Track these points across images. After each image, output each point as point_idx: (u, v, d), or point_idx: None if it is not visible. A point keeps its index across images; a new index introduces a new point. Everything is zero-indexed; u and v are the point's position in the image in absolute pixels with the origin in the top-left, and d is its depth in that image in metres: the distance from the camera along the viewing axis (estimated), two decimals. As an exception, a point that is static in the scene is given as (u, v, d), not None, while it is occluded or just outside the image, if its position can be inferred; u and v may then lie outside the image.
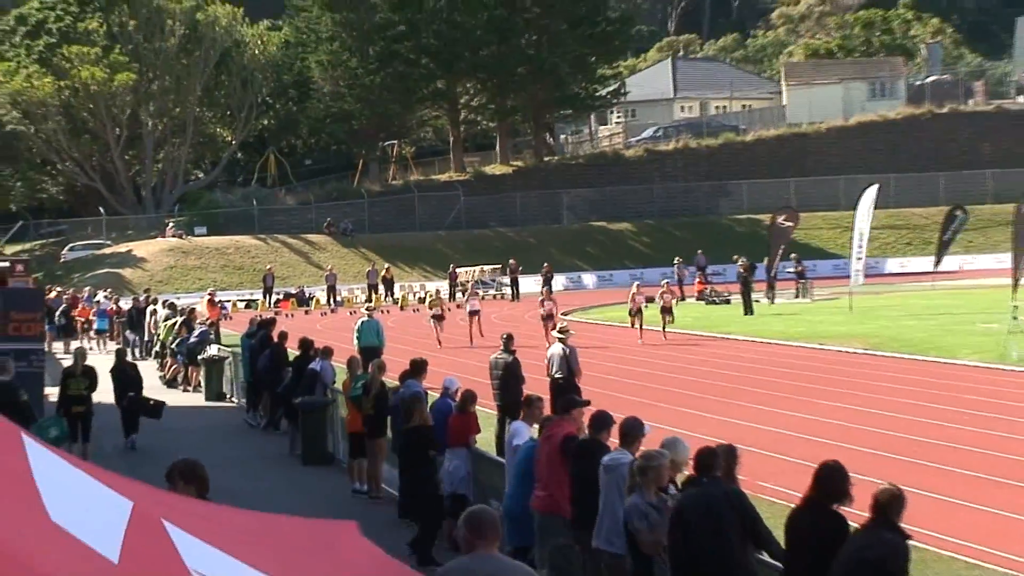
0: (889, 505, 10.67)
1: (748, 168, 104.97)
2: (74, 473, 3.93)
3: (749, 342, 47.66)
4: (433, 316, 47.68)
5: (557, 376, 29.35)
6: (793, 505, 12.09)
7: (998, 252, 75.38)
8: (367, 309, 49.08)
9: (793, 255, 72.69)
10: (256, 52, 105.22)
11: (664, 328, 46.66)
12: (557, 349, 30.36)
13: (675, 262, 78.31)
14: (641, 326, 46.49)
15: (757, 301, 63.45)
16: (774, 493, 19.43)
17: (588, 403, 17.32)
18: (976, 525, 19.09)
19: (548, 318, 44.63)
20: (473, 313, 49.18)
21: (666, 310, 46.56)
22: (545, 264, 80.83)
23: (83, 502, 3.62)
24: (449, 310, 48.93)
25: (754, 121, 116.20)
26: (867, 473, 18.76)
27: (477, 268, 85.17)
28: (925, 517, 17.09)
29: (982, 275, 76.79)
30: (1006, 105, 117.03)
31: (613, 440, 14.14)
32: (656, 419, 20.18)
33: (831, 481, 11.29)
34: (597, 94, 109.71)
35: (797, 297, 69.91)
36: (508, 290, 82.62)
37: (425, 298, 72.68)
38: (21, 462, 3.70)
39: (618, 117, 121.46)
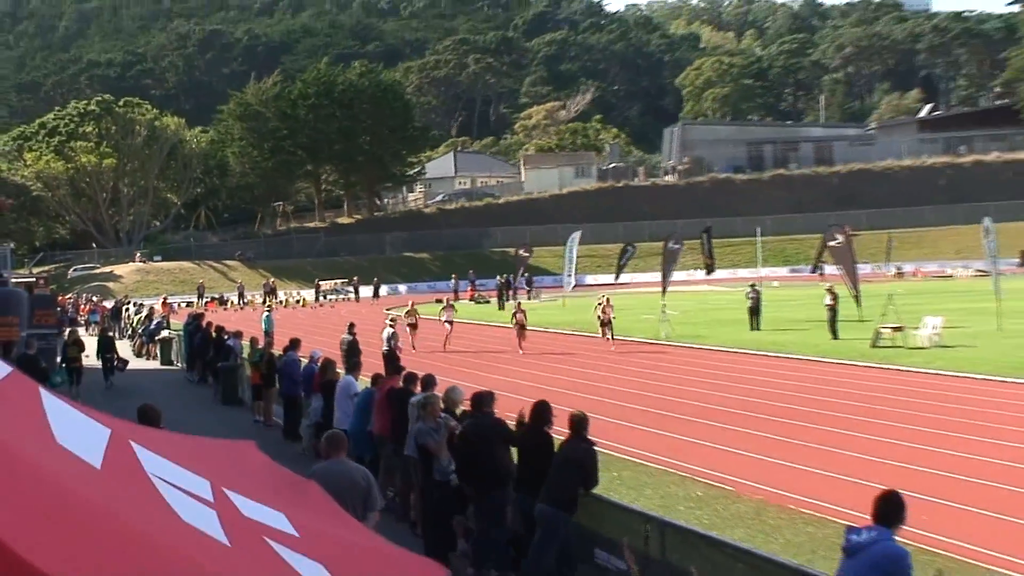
0: (580, 423, 13.18)
1: (501, 220, 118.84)
2: (71, 410, 4.12)
3: (505, 328, 49.20)
4: (408, 325, 43.98)
5: (384, 349, 34.10)
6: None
7: (654, 271, 75.28)
8: (267, 307, 58.67)
9: (526, 273, 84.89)
10: (193, 146, 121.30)
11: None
12: (387, 332, 35.87)
13: (452, 277, 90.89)
14: (612, 335, 43.14)
15: (508, 301, 71.36)
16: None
17: (402, 369, 20.37)
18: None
19: (409, 313, 45.56)
20: (449, 323, 45.76)
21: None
22: (375, 278, 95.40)
23: (77, 429, 3.84)
24: (415, 323, 44.64)
25: (504, 190, 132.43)
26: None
27: (332, 281, 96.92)
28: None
29: (644, 286, 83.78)
30: (658, 181, 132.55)
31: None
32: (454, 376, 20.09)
33: (542, 412, 13.69)
34: (407, 173, 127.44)
35: (530, 299, 77.69)
36: (352, 295, 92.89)
37: (301, 301, 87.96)
38: (37, 405, 3.89)
39: (420, 187, 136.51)
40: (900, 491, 8.48)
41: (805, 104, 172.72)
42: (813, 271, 79.14)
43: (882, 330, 38.70)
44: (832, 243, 50.83)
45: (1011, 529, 15.27)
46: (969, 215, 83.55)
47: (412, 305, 48.00)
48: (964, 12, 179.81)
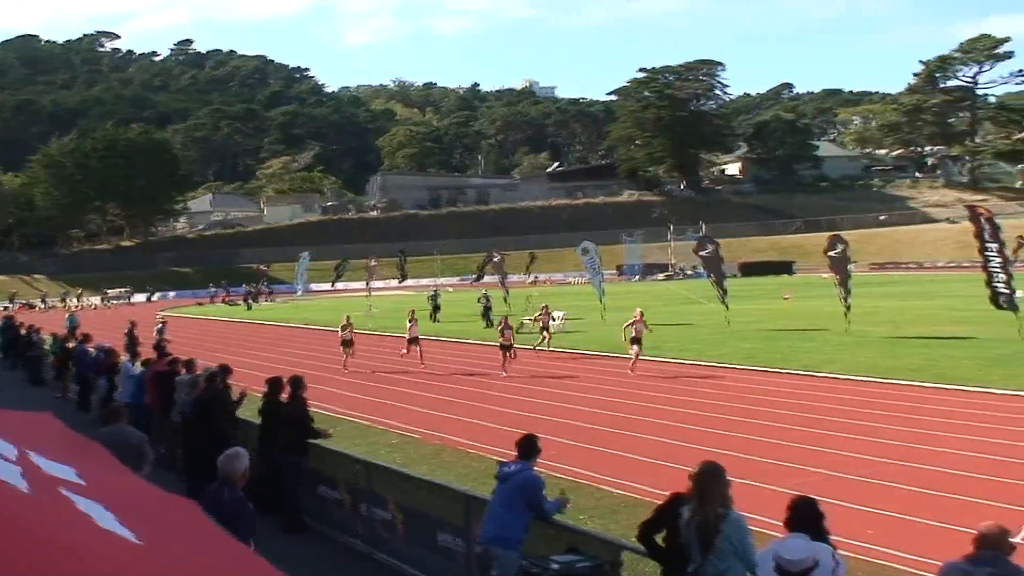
0: (297, 384, 12.89)
1: (248, 243, 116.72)
2: None
3: (265, 324, 50.82)
4: (343, 341, 29.55)
5: (155, 339, 31.12)
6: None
7: (361, 281, 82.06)
8: (71, 309, 59.36)
9: (267, 282, 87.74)
10: (5, 185, 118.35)
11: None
12: (157, 327, 34.46)
13: (211, 286, 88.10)
14: (637, 358, 25.84)
15: (254, 303, 71.54)
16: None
17: (168, 355, 19.29)
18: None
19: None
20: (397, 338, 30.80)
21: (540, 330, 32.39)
22: (149, 287, 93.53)
23: None
24: (351, 339, 29.73)
25: (250, 221, 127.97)
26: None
27: (116, 289, 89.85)
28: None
29: (354, 291, 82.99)
30: (365, 215, 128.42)
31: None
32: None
33: (293, 385, 12.95)
34: (174, 208, 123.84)
35: (269, 301, 78.53)
36: (131, 299, 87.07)
37: (92, 304, 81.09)
38: None
39: (185, 218, 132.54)
40: (535, 434, 8.60)
41: (470, 160, 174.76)
42: (476, 280, 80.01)
43: (524, 321, 39.14)
44: (493, 259, 53.37)
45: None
46: (579, 240, 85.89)
47: (348, 319, 30.26)
48: (579, 98, 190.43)
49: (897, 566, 10.06)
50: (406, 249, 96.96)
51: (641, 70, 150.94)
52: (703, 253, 42.24)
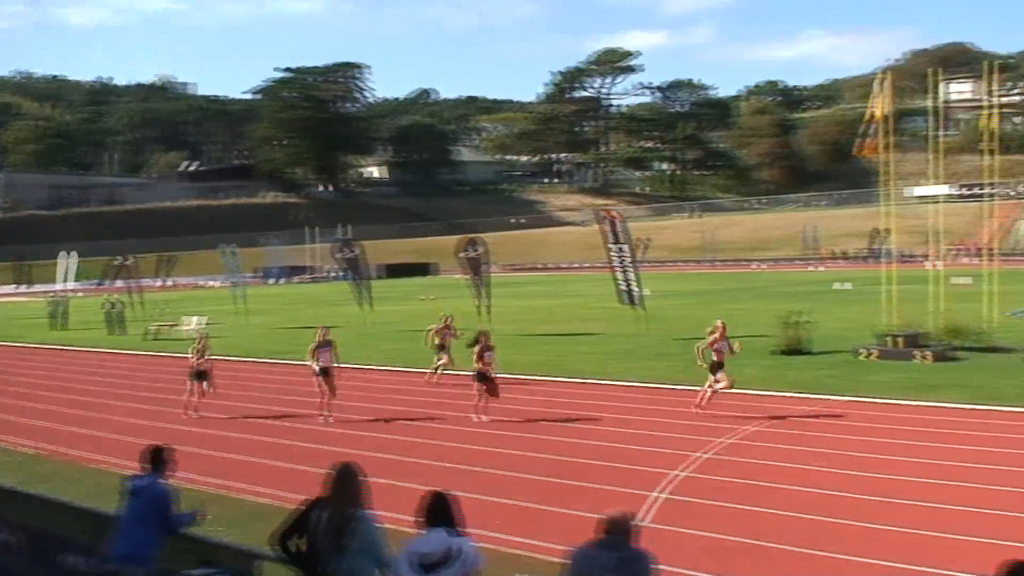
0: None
1: None
2: None
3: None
4: (197, 372, 20.21)
5: None
6: None
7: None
8: None
9: None
10: None
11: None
12: None
13: None
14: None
15: None
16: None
17: None
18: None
19: None
20: None
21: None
22: None
23: None
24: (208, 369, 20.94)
25: None
26: None
27: None
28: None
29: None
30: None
31: None
32: None
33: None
34: None
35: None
36: None
37: None
38: None
39: None
40: (164, 445, 8.28)
41: (100, 158, 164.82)
42: (100, 284, 76.42)
43: (152, 327, 38.08)
44: (124, 263, 50.14)
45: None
46: (218, 243, 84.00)
47: (204, 341, 21.09)
48: (218, 96, 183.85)
49: (530, 553, 10.30)
50: (25, 253, 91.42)
51: (283, 70, 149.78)
52: (345, 255, 42.48)
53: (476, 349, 18.74)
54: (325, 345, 19.02)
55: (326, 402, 18.79)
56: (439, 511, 6.32)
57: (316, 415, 18.87)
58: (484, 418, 18.12)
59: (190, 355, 20.47)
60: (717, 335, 18.11)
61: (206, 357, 20.37)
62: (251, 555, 7.88)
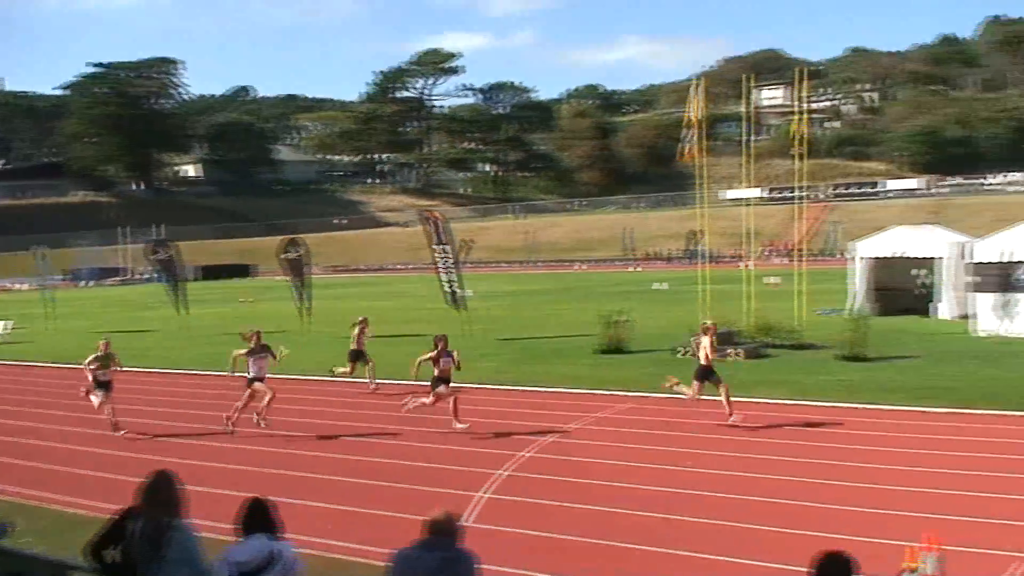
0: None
1: None
2: None
3: None
4: (96, 386, 17.99)
5: None
6: None
7: None
8: None
9: None
10: None
11: None
12: None
13: None
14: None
15: None
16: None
17: None
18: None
19: None
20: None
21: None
22: None
23: None
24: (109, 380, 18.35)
25: None
26: None
27: None
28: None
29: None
30: None
31: None
32: None
33: None
34: None
35: None
36: None
37: None
38: None
39: None
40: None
41: None
42: None
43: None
44: None
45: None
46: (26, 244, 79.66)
47: (106, 348, 18.26)
48: (25, 92, 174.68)
49: (352, 557, 10.24)
50: None
51: (95, 65, 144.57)
52: (158, 256, 41.42)
53: (432, 354, 17.05)
54: (260, 351, 17.26)
55: (256, 408, 17.39)
56: (257, 518, 6.26)
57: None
58: (462, 426, 16.73)
59: (86, 366, 18.06)
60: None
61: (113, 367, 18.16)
62: (63, 566, 7.63)
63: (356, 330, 22.43)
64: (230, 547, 6.15)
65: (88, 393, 17.83)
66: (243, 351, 17.36)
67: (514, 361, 26.25)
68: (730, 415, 16.57)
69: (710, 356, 16.90)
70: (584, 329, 29.40)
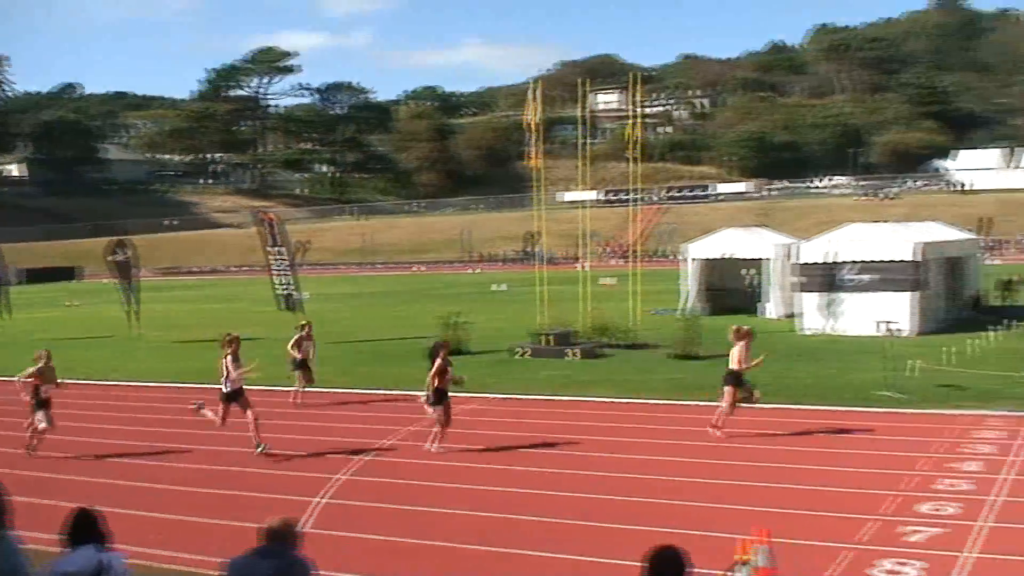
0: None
1: None
2: None
3: None
4: (36, 403, 15.71)
5: None
6: None
7: None
8: None
9: None
10: None
11: None
12: None
13: None
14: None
15: None
16: None
17: None
18: None
19: None
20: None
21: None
22: None
23: None
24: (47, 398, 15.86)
25: None
26: None
27: None
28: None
29: None
30: None
31: None
32: None
33: None
34: None
35: None
36: None
37: None
38: None
39: None
40: None
41: None
42: None
43: None
44: None
45: None
46: None
47: (46, 360, 15.92)
48: None
49: (185, 568, 9.99)
50: None
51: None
52: (-24, 259, 39.71)
53: (436, 365, 15.43)
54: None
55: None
56: (85, 528, 5.98)
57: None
58: (438, 447, 15.22)
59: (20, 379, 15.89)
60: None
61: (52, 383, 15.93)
62: None
63: (296, 336, 20.34)
64: (56, 559, 5.88)
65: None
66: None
67: (352, 364, 26.02)
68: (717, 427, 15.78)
69: (742, 363, 15.92)
70: (423, 331, 29.32)
